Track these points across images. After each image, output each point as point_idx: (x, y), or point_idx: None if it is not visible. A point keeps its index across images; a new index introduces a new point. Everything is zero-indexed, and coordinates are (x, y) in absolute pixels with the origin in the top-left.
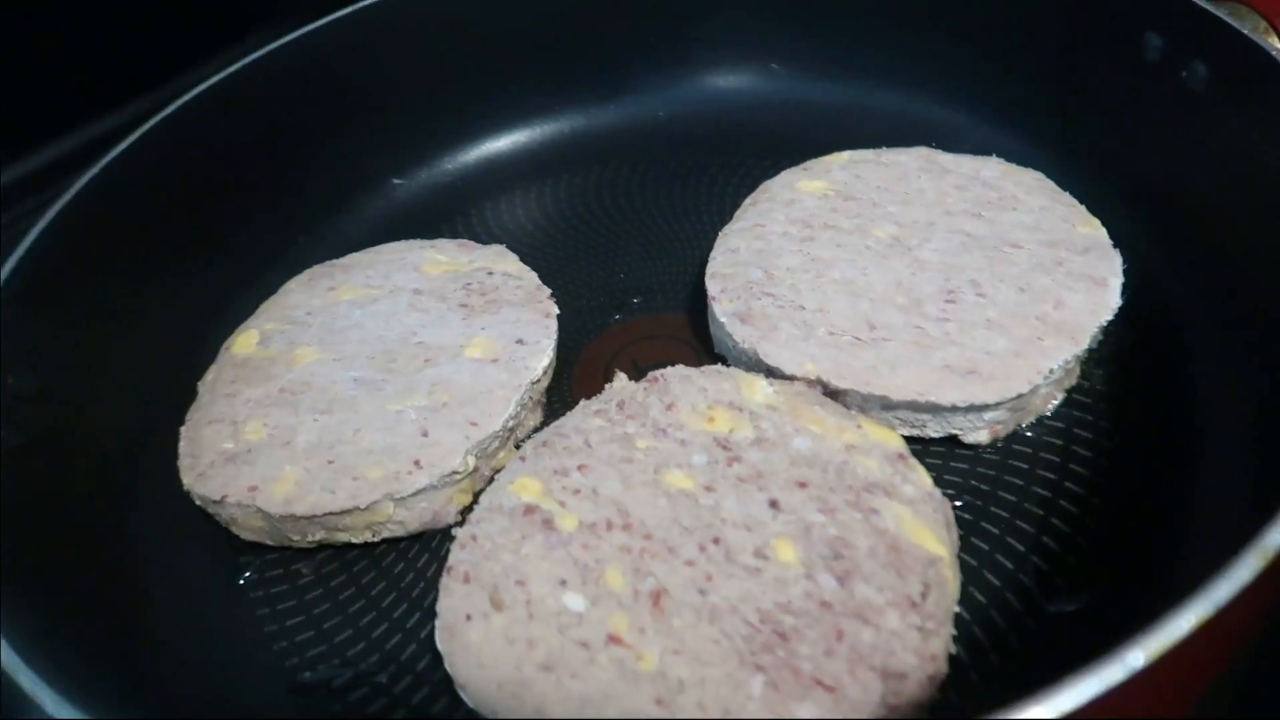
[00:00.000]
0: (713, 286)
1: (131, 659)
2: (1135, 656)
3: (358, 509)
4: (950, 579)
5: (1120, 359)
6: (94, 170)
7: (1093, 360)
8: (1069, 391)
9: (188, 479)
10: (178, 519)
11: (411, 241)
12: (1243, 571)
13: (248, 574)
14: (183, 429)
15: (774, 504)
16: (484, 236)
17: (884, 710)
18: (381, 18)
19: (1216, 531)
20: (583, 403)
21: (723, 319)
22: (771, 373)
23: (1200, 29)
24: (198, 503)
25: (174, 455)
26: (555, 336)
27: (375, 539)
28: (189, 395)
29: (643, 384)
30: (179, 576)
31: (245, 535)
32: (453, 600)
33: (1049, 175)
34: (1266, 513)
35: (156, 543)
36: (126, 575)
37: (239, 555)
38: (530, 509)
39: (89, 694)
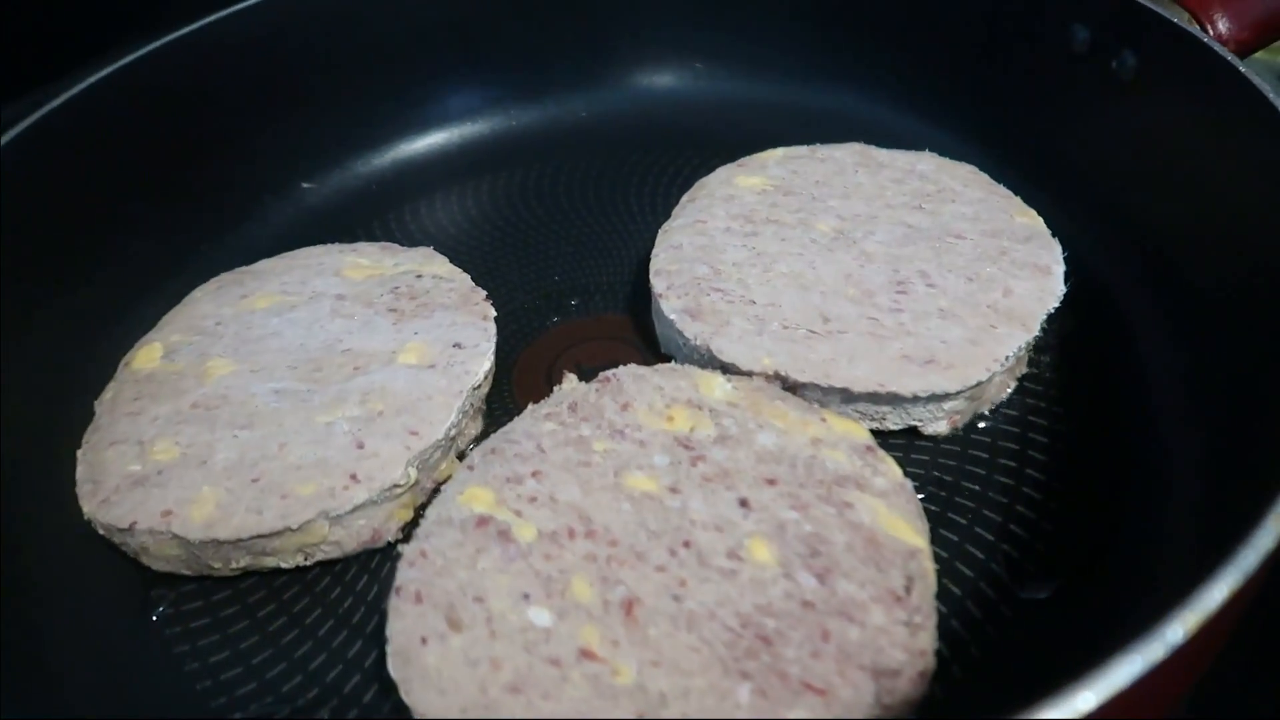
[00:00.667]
0: (658, 283)
1: (35, 710)
2: (1174, 631)
3: (289, 530)
4: (930, 570)
5: (1064, 345)
6: None
7: (1038, 348)
8: (1020, 379)
9: (89, 506)
10: (77, 552)
11: (329, 246)
12: (1265, 539)
13: (161, 608)
14: (80, 452)
15: (744, 503)
16: (404, 241)
17: (878, 710)
18: (287, 10)
19: (1179, 507)
20: (531, 406)
21: (671, 316)
22: (726, 369)
23: (1129, 19)
24: (101, 532)
25: (70, 482)
26: (495, 339)
27: (307, 562)
28: (85, 415)
29: (594, 384)
30: (83, 616)
31: (157, 566)
32: (405, 622)
33: (979, 168)
34: (1223, 487)
35: (55, 580)
36: (22, 619)
37: (150, 588)
38: (483, 520)
39: None
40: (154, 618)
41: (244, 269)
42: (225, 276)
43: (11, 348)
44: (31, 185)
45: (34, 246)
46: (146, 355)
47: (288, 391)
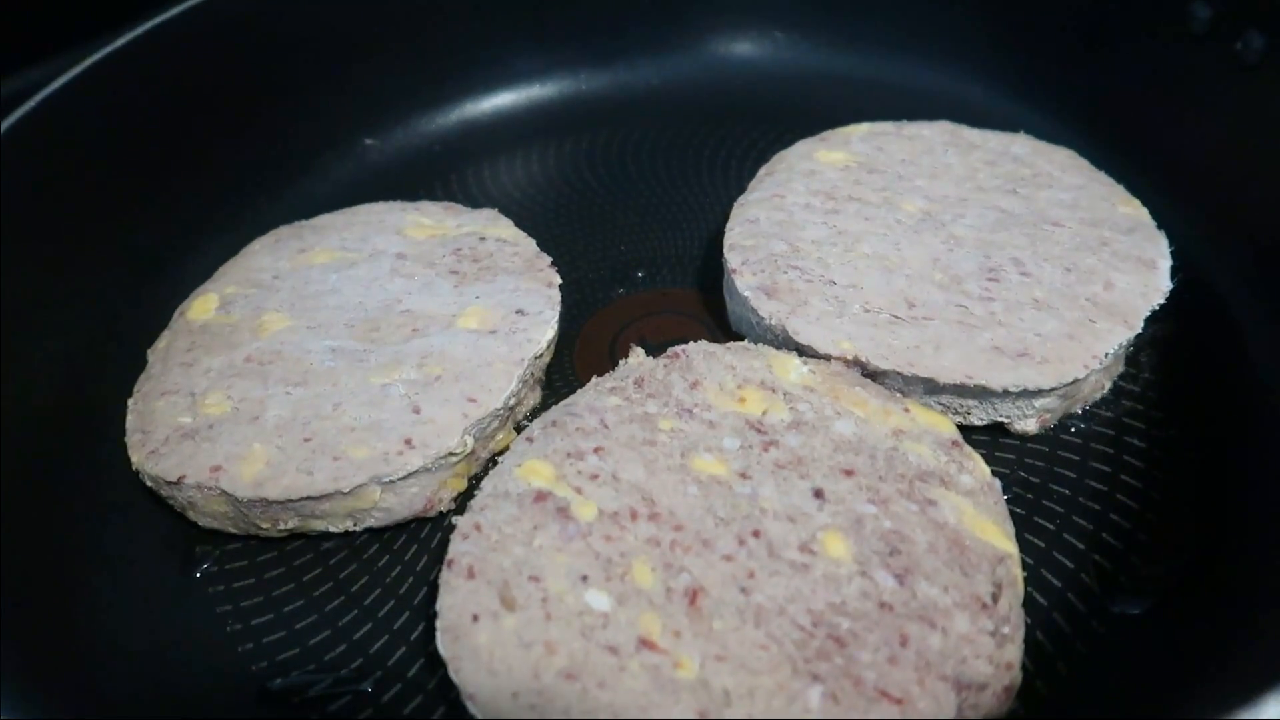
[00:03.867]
0: (733, 258)
1: (73, 663)
2: None
3: (340, 493)
4: (1019, 578)
5: (1165, 346)
6: (27, 107)
7: (1137, 347)
8: (1116, 380)
9: (138, 457)
10: (124, 503)
11: (391, 203)
12: None
13: (205, 565)
14: (130, 401)
15: (818, 493)
16: (466, 203)
17: None
18: None
19: None
20: (595, 379)
21: (745, 293)
22: (802, 351)
23: None
24: (149, 484)
25: (120, 431)
26: (559, 307)
27: (356, 528)
28: (137, 364)
29: (662, 360)
30: (126, 569)
31: (204, 522)
32: (456, 598)
33: (1077, 153)
34: None
35: (100, 530)
36: (65, 568)
37: (195, 545)
38: (542, 495)
39: (25, 700)
40: (198, 575)
41: (303, 223)
42: (284, 230)
43: (65, 290)
44: (92, 128)
45: (90, 189)
46: (202, 306)
47: (344, 350)
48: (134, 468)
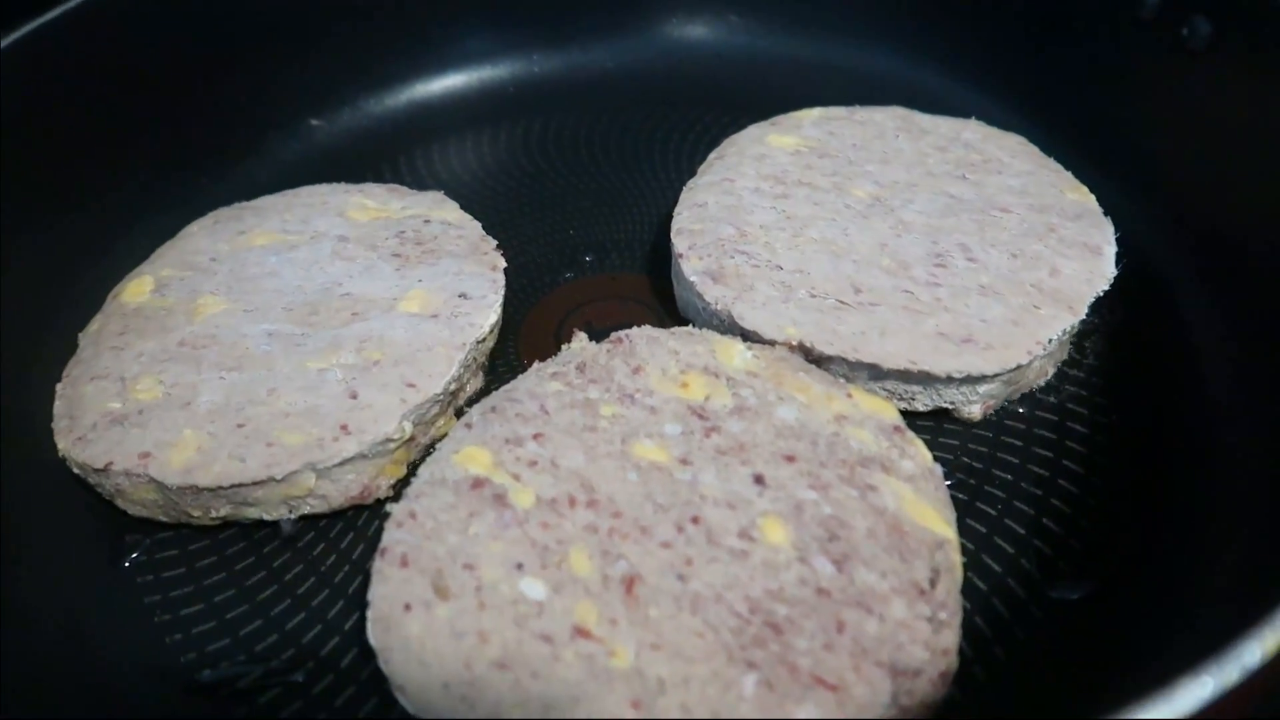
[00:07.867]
0: (679, 243)
1: None
2: (1252, 652)
3: (273, 480)
4: (958, 564)
5: (1110, 332)
6: None
7: (1082, 333)
8: (1061, 366)
9: (64, 443)
10: (50, 490)
11: (334, 185)
12: None
13: (135, 555)
14: (59, 386)
15: (759, 479)
16: (414, 185)
17: (894, 711)
18: None
19: (1228, 509)
20: (536, 365)
21: (692, 278)
22: (747, 336)
23: None
24: (76, 471)
25: (48, 416)
26: (503, 291)
27: (291, 515)
28: (68, 348)
29: (605, 345)
30: (52, 558)
31: (133, 510)
32: (388, 587)
33: (1028, 139)
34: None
35: (25, 518)
36: None
37: (125, 533)
38: (479, 482)
39: None
40: (126, 564)
41: (244, 204)
42: (223, 211)
43: None
44: (23, 102)
45: (24, 166)
46: (136, 288)
47: (280, 334)
48: (60, 454)
